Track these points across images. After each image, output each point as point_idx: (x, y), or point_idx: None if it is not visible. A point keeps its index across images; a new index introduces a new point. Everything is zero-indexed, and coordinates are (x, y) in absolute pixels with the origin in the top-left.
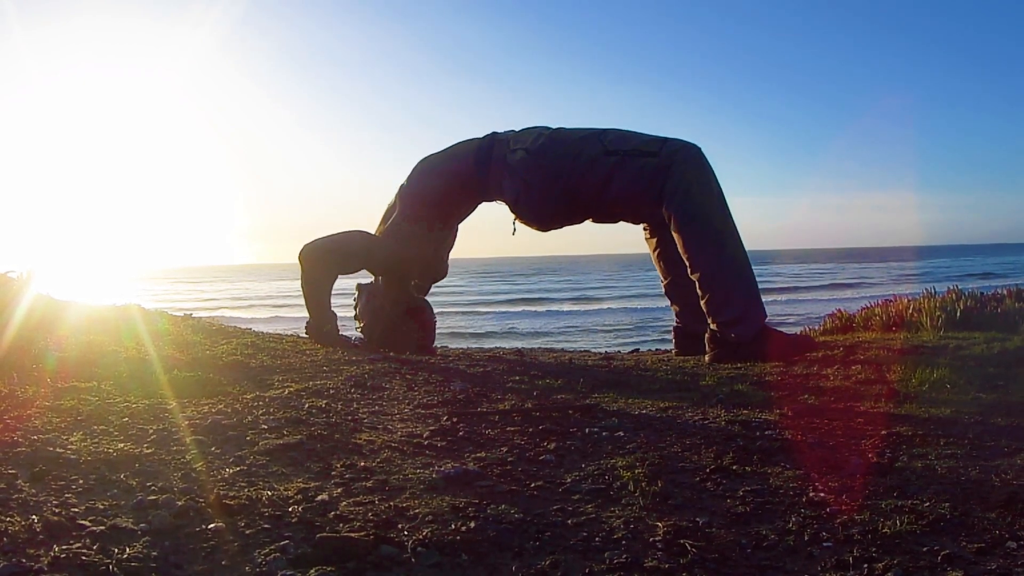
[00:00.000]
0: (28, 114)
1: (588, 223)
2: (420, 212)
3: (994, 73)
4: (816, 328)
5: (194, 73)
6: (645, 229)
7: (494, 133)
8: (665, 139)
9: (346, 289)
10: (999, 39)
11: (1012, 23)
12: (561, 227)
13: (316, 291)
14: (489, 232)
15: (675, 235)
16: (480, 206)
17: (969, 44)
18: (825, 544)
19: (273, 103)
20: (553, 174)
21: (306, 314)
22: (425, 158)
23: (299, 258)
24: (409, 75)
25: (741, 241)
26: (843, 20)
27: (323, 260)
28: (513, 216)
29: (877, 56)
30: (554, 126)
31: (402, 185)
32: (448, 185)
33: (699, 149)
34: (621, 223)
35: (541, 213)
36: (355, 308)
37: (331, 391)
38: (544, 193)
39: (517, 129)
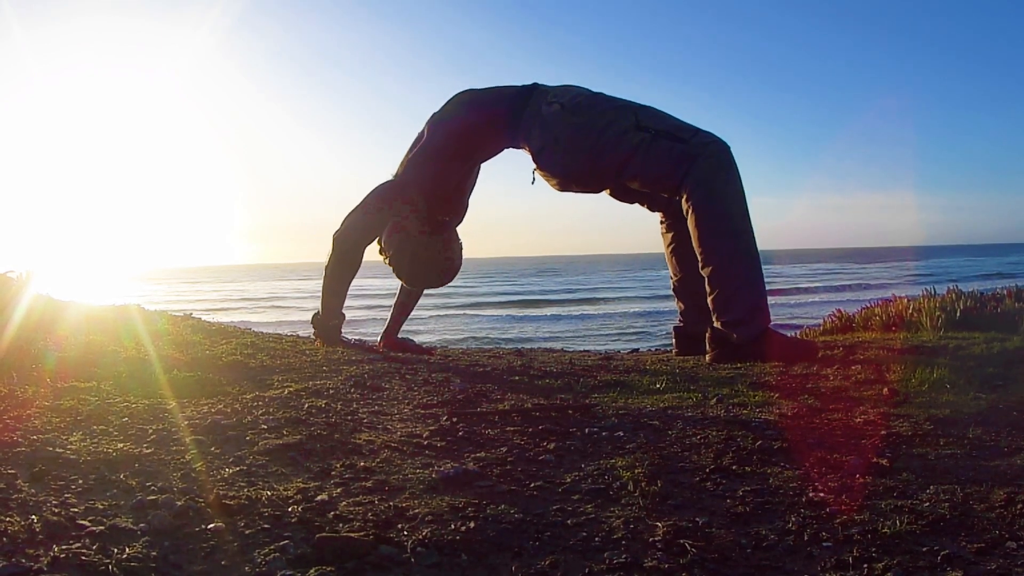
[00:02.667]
0: (28, 114)
1: (585, 222)
2: (446, 143)
3: (994, 72)
4: (816, 328)
5: (193, 73)
6: (662, 222)
7: (536, 83)
8: (698, 129)
9: (355, 290)
10: (998, 39)
11: (1011, 23)
12: (578, 191)
13: (334, 284)
14: (488, 233)
15: (691, 227)
16: (476, 208)
17: (969, 44)
18: (825, 544)
19: (273, 103)
20: (581, 134)
21: (308, 314)
22: (464, 91)
23: (333, 239)
24: (408, 75)
25: (756, 244)
26: (842, 20)
27: (350, 254)
28: (534, 167)
29: (876, 56)
30: (595, 89)
31: (434, 114)
32: (480, 120)
33: (728, 147)
34: (619, 224)
35: (562, 170)
36: (379, 242)
37: (331, 391)
38: (568, 151)
39: (560, 85)
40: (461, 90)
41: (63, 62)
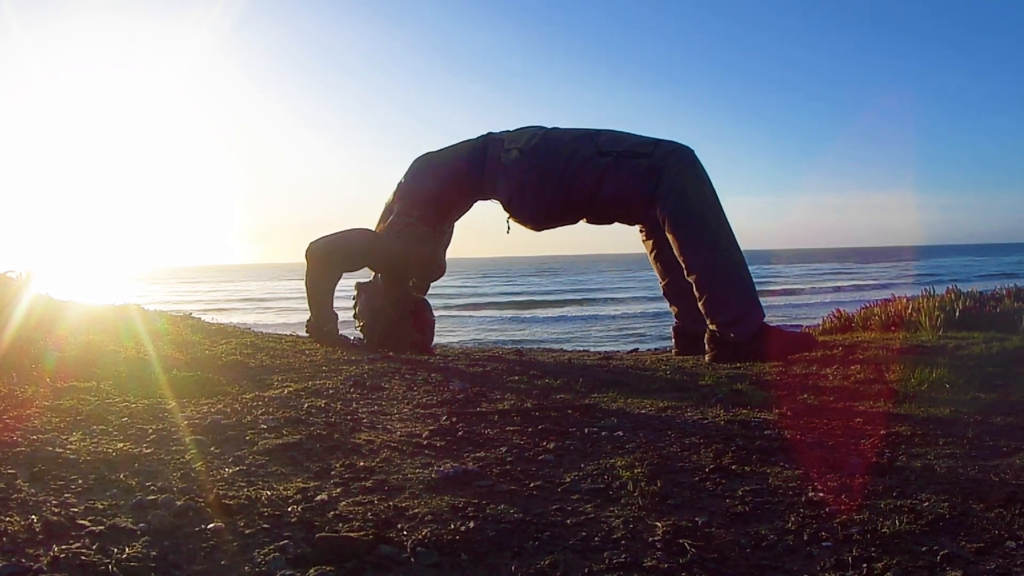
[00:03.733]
0: (28, 114)
1: (583, 224)
2: (418, 210)
3: (994, 71)
4: (815, 328)
5: (194, 73)
6: (641, 231)
7: (489, 133)
8: (658, 141)
9: (349, 289)
10: (999, 39)
11: (1012, 23)
12: (555, 227)
13: (318, 290)
14: (487, 232)
15: (670, 237)
16: (477, 207)
17: (969, 43)
18: (824, 544)
19: (273, 103)
20: (546, 174)
21: (307, 314)
22: (422, 156)
23: (305, 256)
24: (408, 75)
25: (736, 241)
26: (841, 19)
27: (326, 260)
28: (507, 215)
29: (876, 55)
30: (549, 126)
31: (400, 183)
32: (445, 184)
33: (692, 151)
34: (617, 224)
35: (534, 213)
36: (355, 308)
37: (330, 391)
38: (537, 193)
39: (512, 129)
40: (418, 156)
41: (63, 62)
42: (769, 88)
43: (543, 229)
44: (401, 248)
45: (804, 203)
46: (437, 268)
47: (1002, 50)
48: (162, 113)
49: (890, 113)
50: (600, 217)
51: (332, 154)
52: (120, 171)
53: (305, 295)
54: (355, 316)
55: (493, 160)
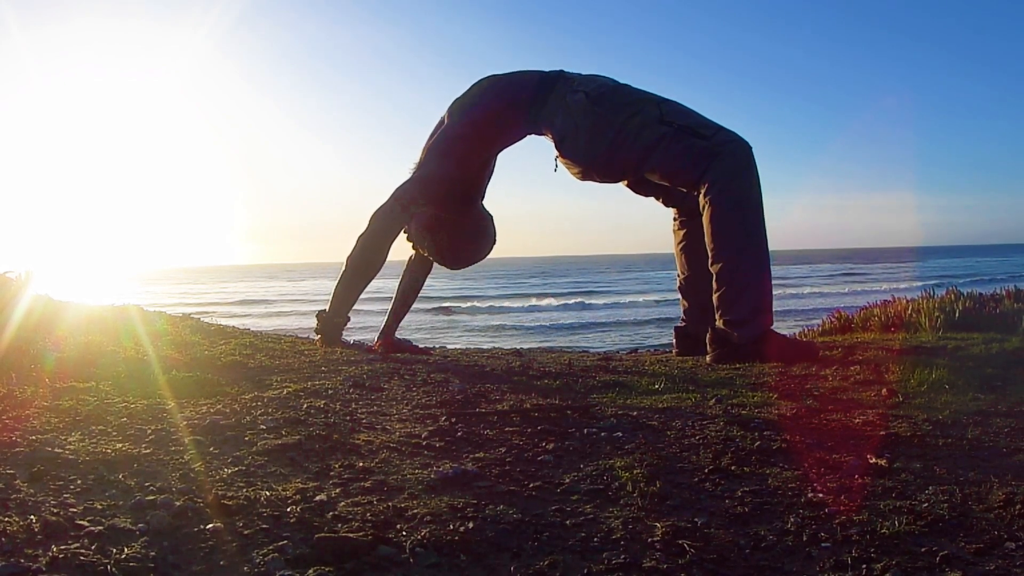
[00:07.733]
0: (27, 115)
1: (586, 222)
2: (467, 131)
3: (994, 73)
4: (815, 329)
5: (193, 74)
6: (675, 220)
7: (562, 70)
8: (721, 127)
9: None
10: (999, 40)
11: (1012, 23)
12: (597, 180)
13: (349, 284)
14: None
15: (705, 223)
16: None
17: (968, 44)
18: (824, 545)
19: (272, 104)
20: (604, 124)
21: (307, 316)
22: (487, 77)
23: (357, 240)
24: (407, 76)
25: (767, 248)
26: (840, 19)
27: (371, 259)
28: (556, 155)
29: (875, 56)
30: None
31: (456, 100)
32: (502, 109)
33: (750, 148)
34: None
35: (583, 158)
36: (408, 238)
37: (329, 391)
38: (590, 140)
39: (585, 73)
40: (483, 76)
41: (62, 63)
42: (767, 89)
43: (587, 179)
44: (440, 171)
45: (804, 204)
46: (478, 192)
47: (1001, 52)
48: (161, 114)
49: (889, 114)
50: (641, 186)
51: (332, 154)
52: (119, 172)
53: (303, 296)
54: (414, 247)
55: (559, 95)
